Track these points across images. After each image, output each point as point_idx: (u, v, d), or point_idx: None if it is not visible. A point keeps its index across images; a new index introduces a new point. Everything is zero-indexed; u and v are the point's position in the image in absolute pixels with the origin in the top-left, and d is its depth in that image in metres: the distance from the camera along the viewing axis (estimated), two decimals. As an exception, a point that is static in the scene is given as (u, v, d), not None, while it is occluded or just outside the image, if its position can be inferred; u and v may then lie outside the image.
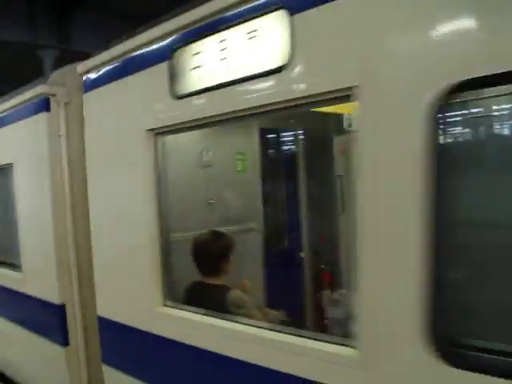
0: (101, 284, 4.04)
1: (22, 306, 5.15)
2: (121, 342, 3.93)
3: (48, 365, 4.68)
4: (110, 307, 3.97)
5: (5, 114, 5.18)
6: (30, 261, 4.87)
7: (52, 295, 4.40)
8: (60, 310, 4.35)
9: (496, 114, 2.22)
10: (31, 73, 14.11)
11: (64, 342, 4.37)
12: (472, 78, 1.83)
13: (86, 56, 3.75)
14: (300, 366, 2.47)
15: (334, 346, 2.37)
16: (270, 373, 2.57)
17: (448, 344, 1.99)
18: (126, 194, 3.67)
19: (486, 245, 2.12)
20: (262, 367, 2.63)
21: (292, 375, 2.49)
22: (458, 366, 1.93)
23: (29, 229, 4.88)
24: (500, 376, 1.83)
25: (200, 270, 3.66)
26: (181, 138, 3.78)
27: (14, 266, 5.15)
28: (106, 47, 3.85)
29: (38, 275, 4.69)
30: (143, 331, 3.54)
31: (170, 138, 3.47)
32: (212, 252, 3.61)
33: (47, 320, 4.62)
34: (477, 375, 1.88)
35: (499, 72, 1.77)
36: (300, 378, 2.45)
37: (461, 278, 2.14)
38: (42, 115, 4.39)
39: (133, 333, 3.67)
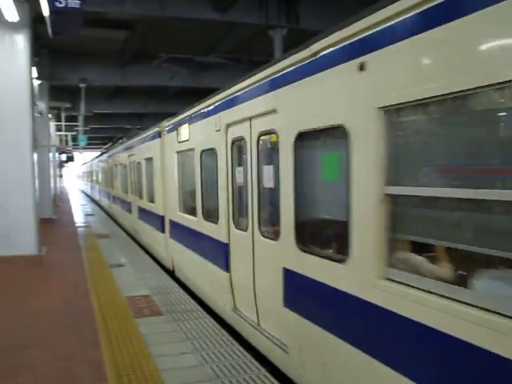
0: (169, 206, 10.32)
1: (152, 217, 12.13)
2: (174, 229, 10.02)
3: (158, 241, 11.51)
4: (171, 216, 10.15)
5: (150, 136, 12.34)
6: (156, 199, 11.66)
7: (160, 212, 11.10)
8: (162, 218, 10.93)
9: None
10: (262, 52, 15.45)
11: (163, 231, 10.88)
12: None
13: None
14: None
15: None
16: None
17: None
18: (172, 175, 9.84)
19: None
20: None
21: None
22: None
23: (155, 186, 11.67)
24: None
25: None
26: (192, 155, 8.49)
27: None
28: (168, 119, 10.35)
29: (157, 204, 11.47)
30: (176, 222, 9.67)
31: (188, 153, 8.75)
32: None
33: (158, 222, 11.35)
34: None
35: None
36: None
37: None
38: (158, 139, 11.11)
39: (177, 224, 9.67)
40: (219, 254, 6.84)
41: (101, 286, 8.43)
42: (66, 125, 29.70)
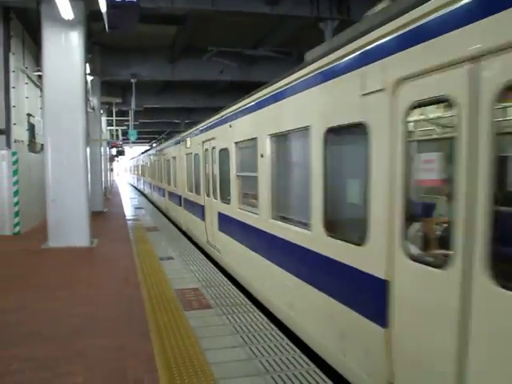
0: (183, 188, 15.97)
1: (175, 197, 17.94)
2: (184, 203, 15.67)
3: (178, 213, 17.20)
4: (183, 194, 15.64)
5: (175, 141, 18.05)
6: (177, 184, 17.54)
7: (179, 193, 16.83)
8: (180, 197, 16.70)
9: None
10: (312, 45, 15.27)
11: (180, 205, 16.67)
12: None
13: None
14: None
15: None
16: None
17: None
18: (185, 168, 15.56)
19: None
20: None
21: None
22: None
23: (177, 175, 17.63)
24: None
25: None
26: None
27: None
28: (183, 132, 16.31)
29: (178, 188, 17.16)
30: (185, 197, 15.34)
31: (192, 155, 14.17)
32: None
33: (178, 200, 17.17)
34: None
35: None
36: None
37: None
38: (179, 144, 16.86)
39: (185, 199, 15.42)
40: (200, 211, 12.56)
41: (151, 278, 8.57)
42: (116, 119, 30.36)
